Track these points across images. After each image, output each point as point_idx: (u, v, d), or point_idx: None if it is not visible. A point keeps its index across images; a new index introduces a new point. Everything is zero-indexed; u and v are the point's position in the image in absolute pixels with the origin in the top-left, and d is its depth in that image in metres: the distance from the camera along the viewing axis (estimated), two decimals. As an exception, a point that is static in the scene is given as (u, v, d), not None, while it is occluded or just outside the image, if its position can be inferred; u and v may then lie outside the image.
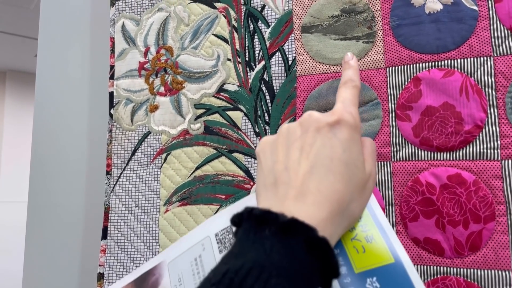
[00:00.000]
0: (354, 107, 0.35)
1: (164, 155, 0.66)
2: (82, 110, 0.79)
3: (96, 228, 0.73)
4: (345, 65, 0.39)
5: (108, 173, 0.69)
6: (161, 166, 0.66)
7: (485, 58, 0.51)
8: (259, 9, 0.64)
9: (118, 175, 0.68)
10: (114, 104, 0.70)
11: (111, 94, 0.70)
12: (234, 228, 0.33)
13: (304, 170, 0.32)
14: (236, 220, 0.32)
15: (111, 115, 0.70)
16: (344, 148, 0.33)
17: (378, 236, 0.33)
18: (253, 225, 0.30)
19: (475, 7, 0.52)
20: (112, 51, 0.71)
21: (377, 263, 0.32)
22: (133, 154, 0.68)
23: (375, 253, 0.33)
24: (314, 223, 0.29)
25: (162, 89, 0.67)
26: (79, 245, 0.76)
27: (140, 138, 0.68)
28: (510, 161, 0.49)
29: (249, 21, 0.64)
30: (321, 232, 0.29)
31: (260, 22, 0.64)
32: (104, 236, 0.67)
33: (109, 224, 0.67)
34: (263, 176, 0.35)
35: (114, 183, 0.68)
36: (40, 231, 0.78)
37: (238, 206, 0.40)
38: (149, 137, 0.67)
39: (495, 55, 0.51)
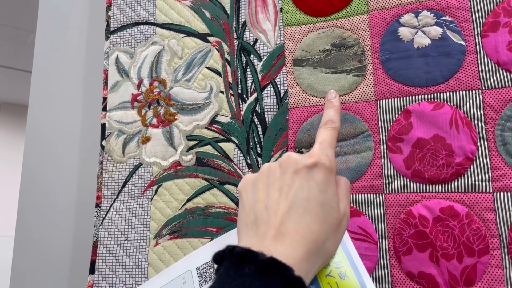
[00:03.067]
0: (331, 150, 0.38)
1: (155, 187, 0.65)
2: (73, 142, 0.79)
3: (84, 263, 0.71)
4: (327, 104, 0.42)
5: (97, 205, 0.68)
6: (152, 198, 0.65)
7: (473, 92, 0.52)
8: (252, 43, 0.65)
9: (108, 207, 0.67)
10: (105, 136, 0.69)
11: (103, 126, 0.70)
12: (215, 266, 0.34)
13: (282, 211, 0.34)
14: (218, 257, 0.33)
15: (102, 147, 0.69)
16: (320, 189, 0.35)
17: (351, 273, 0.35)
18: (234, 262, 0.31)
19: (462, 42, 0.54)
20: (106, 83, 0.72)
21: None
22: (123, 186, 0.67)
23: None
24: (291, 263, 0.31)
25: (154, 121, 0.67)
26: (66, 280, 0.74)
27: (131, 170, 0.67)
28: (502, 193, 0.49)
29: (242, 55, 0.65)
30: (297, 271, 0.30)
31: (252, 55, 0.64)
32: (92, 271, 0.65)
33: (97, 258, 0.65)
34: (244, 214, 0.37)
35: (104, 216, 0.67)
36: (26, 266, 0.76)
37: (219, 242, 0.42)
38: (140, 169, 0.67)
39: (483, 88, 0.52)
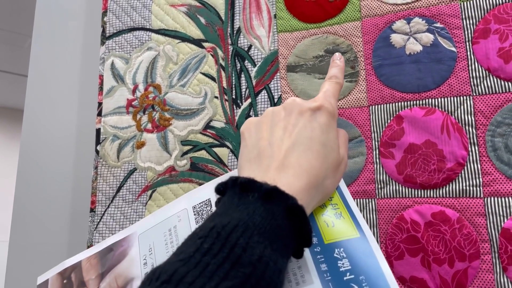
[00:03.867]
0: (334, 99, 0.39)
1: (149, 192, 0.66)
2: (68, 147, 0.79)
3: (78, 267, 0.71)
4: (332, 63, 0.43)
5: (92, 210, 0.68)
6: (146, 203, 0.65)
7: (464, 97, 0.53)
8: (246, 49, 0.65)
9: (102, 212, 0.67)
10: (100, 141, 0.70)
11: (98, 131, 0.70)
12: (216, 198, 0.35)
13: (286, 146, 0.35)
14: (221, 188, 0.34)
15: (97, 152, 0.70)
16: (322, 131, 0.36)
17: (346, 214, 0.37)
18: (238, 191, 0.32)
19: (453, 49, 0.54)
20: (101, 88, 0.72)
21: (344, 237, 0.35)
22: (118, 191, 0.67)
23: (342, 228, 0.36)
24: (294, 193, 0.32)
25: (149, 126, 0.68)
26: (60, 285, 0.74)
27: (125, 175, 0.67)
28: (492, 198, 0.50)
29: (236, 61, 0.66)
30: (299, 201, 0.31)
31: (246, 61, 0.65)
32: (86, 275, 0.65)
33: (91, 262, 0.65)
34: (246, 151, 0.38)
35: (98, 220, 0.67)
36: (21, 271, 0.76)
37: (216, 182, 0.42)
38: (134, 173, 0.67)
39: (474, 94, 0.53)
